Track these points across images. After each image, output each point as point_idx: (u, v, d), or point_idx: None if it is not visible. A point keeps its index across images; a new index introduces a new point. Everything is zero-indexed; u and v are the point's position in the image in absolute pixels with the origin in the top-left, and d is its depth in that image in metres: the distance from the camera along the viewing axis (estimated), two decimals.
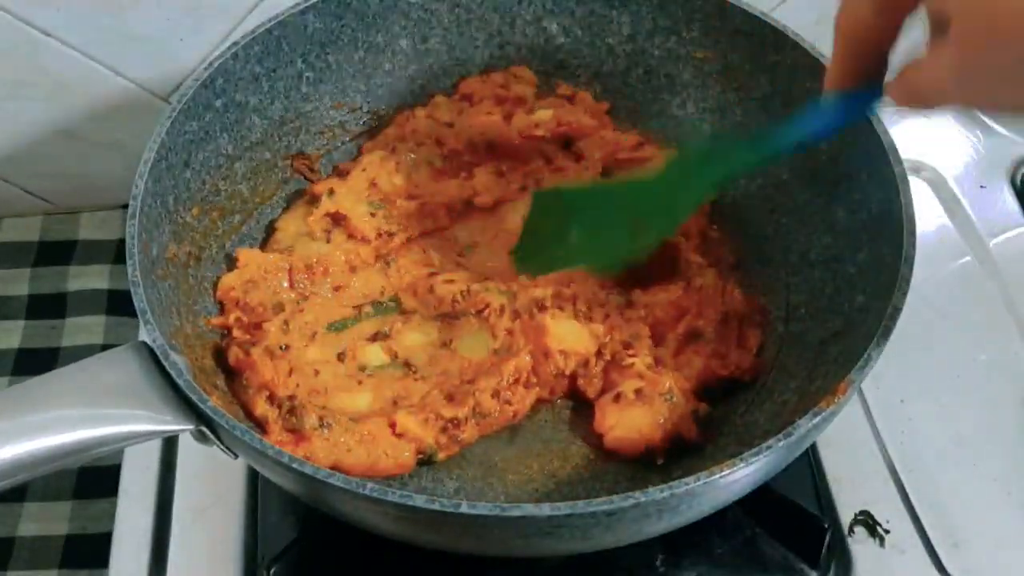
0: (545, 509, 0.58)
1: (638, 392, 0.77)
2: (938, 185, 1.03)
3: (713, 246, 0.88)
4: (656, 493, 0.59)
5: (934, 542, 0.81)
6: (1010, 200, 1.03)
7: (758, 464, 0.61)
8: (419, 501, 0.59)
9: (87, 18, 0.95)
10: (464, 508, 0.59)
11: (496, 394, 0.78)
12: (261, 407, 0.75)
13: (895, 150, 0.74)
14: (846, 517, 0.82)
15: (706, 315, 0.82)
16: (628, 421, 0.77)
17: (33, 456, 0.62)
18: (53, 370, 0.66)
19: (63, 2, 0.94)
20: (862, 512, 0.82)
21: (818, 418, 0.63)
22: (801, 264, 0.84)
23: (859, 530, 0.82)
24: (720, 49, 0.89)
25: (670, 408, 0.77)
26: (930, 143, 1.06)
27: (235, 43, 0.82)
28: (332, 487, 0.60)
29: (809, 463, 0.84)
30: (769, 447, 0.61)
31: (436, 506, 0.59)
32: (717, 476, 0.60)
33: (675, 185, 0.77)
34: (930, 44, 0.58)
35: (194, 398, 0.64)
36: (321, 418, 0.74)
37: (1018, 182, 1.04)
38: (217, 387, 0.74)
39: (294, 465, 0.61)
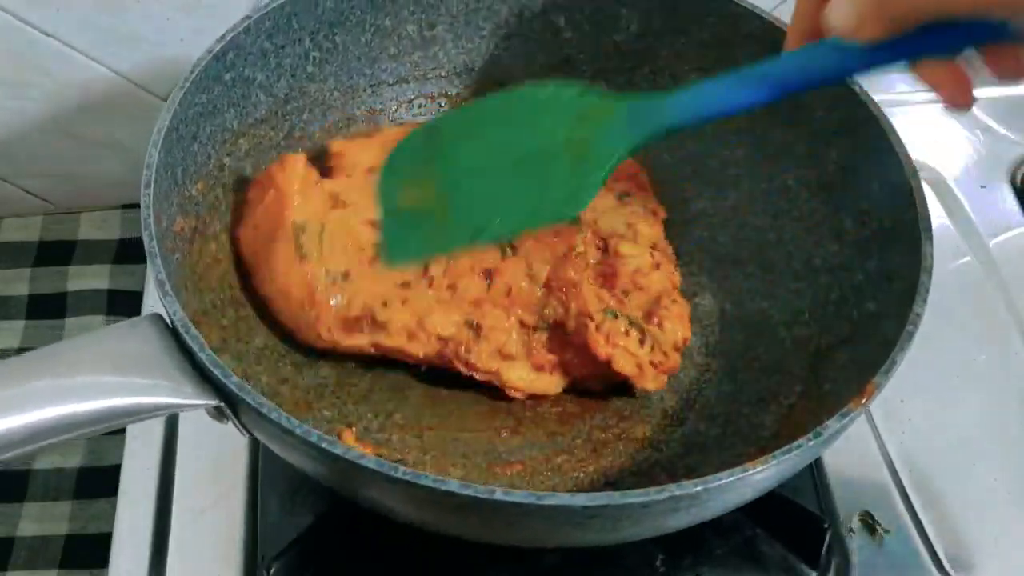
0: (580, 499, 0.58)
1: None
2: (938, 185, 1.03)
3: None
4: (690, 487, 0.59)
5: (934, 542, 0.81)
6: (1010, 200, 1.03)
7: (788, 462, 0.62)
8: (453, 486, 0.58)
9: (87, 18, 0.95)
10: (499, 495, 0.58)
11: None
12: None
13: (911, 162, 0.74)
14: (846, 517, 0.82)
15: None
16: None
17: (59, 422, 0.60)
18: (73, 337, 0.65)
19: (63, 2, 0.94)
20: (862, 512, 0.83)
21: (847, 419, 0.63)
22: (805, 270, 0.84)
23: (859, 530, 0.82)
24: (729, 53, 0.87)
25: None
26: (930, 143, 1.06)
27: (247, 17, 0.82)
28: (362, 468, 0.59)
29: (809, 463, 0.84)
30: (799, 446, 0.61)
31: (471, 491, 0.58)
32: (750, 472, 0.60)
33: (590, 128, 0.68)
34: None
35: (217, 373, 0.63)
36: None
37: (1018, 182, 1.05)
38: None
39: (323, 444, 0.59)
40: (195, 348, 0.64)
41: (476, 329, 0.79)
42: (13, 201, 1.10)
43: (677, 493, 0.59)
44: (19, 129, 1.04)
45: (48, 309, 1.04)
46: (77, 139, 1.05)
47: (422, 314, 0.79)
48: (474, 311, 0.79)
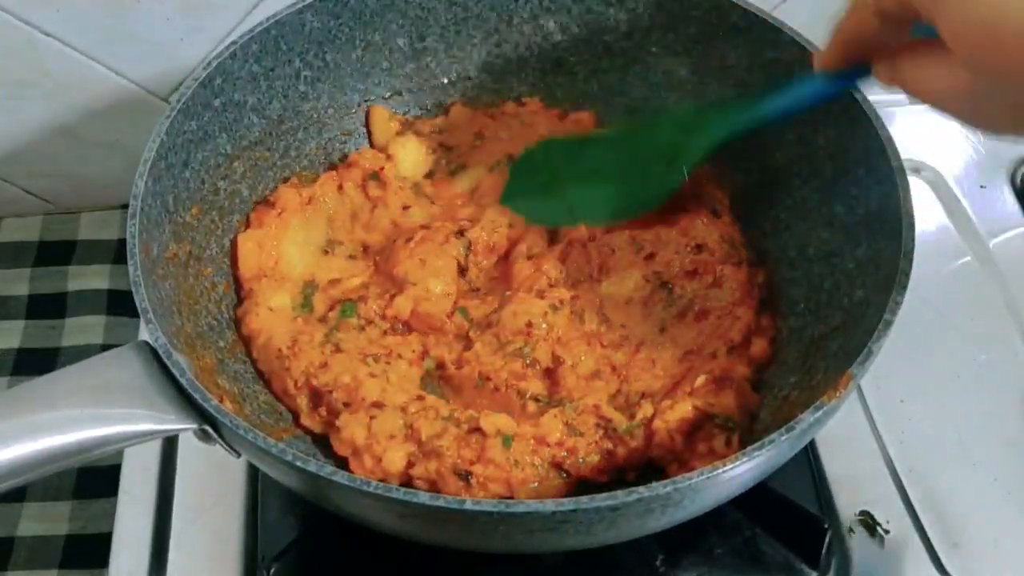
0: (549, 505, 0.58)
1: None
2: (938, 185, 1.03)
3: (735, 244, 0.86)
4: (659, 488, 0.59)
5: (934, 542, 0.81)
6: (1010, 200, 1.03)
7: (760, 459, 0.61)
8: (423, 498, 0.59)
9: (87, 18, 0.95)
10: (468, 505, 0.59)
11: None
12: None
13: (893, 145, 0.75)
14: (846, 517, 0.82)
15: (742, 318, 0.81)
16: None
17: (37, 456, 0.62)
18: (55, 370, 0.66)
19: (63, 2, 0.94)
20: (862, 512, 0.82)
21: (820, 412, 0.63)
22: (799, 259, 0.84)
23: (859, 530, 0.82)
24: (717, 46, 0.88)
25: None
26: (930, 143, 1.06)
27: (233, 42, 0.82)
28: (336, 485, 0.60)
29: (809, 463, 0.84)
30: (771, 441, 0.61)
31: (440, 503, 0.59)
32: (719, 471, 0.60)
33: (668, 137, 0.85)
34: (936, 49, 0.59)
35: (197, 397, 0.64)
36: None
37: (1018, 182, 1.04)
38: (219, 386, 0.74)
39: (297, 463, 0.61)
40: (176, 373, 0.65)
41: (466, 479, 0.73)
42: (13, 201, 1.10)
43: (646, 495, 0.59)
44: (19, 129, 1.04)
45: (48, 309, 1.04)
46: (77, 139, 1.05)
47: (383, 439, 0.74)
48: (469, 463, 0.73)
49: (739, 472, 0.61)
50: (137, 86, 1.02)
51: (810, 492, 0.82)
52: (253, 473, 0.84)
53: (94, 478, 0.93)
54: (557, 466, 0.74)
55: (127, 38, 0.97)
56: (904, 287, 0.68)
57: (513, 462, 0.72)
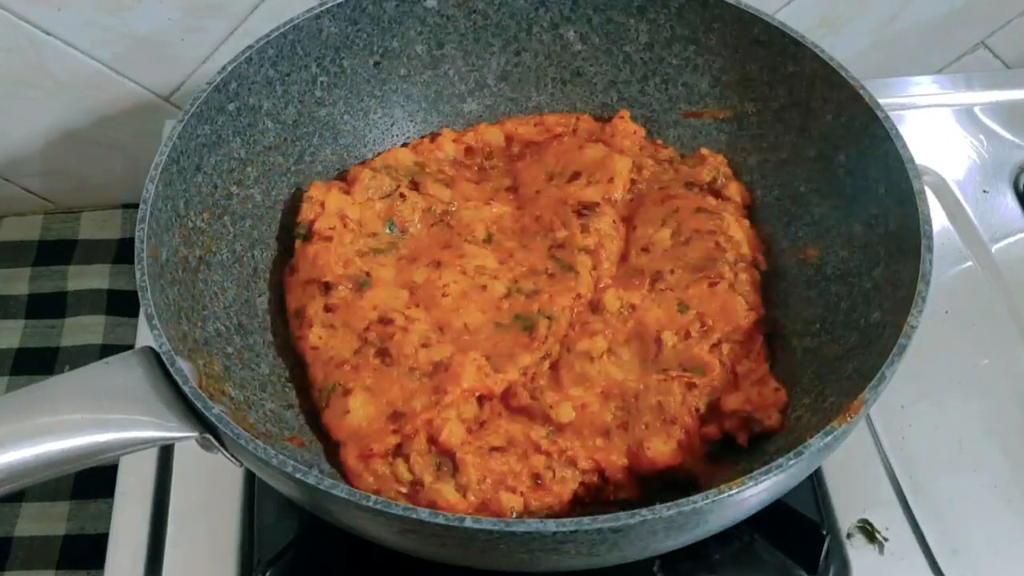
0: (551, 525, 0.58)
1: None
2: (941, 190, 1.03)
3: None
4: (663, 511, 0.58)
5: (933, 549, 0.81)
6: (1013, 205, 1.03)
7: (768, 483, 0.61)
8: (423, 515, 0.59)
9: (87, 18, 0.95)
10: (468, 523, 0.58)
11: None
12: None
13: (913, 165, 0.74)
14: (845, 524, 0.82)
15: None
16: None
17: (37, 461, 0.62)
18: (57, 374, 0.66)
19: (64, 2, 0.94)
20: (861, 519, 0.82)
21: (830, 437, 0.62)
22: (817, 278, 0.83)
23: (858, 537, 0.82)
24: (738, 59, 0.88)
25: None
26: (933, 148, 1.05)
27: (249, 47, 0.82)
28: (335, 498, 0.60)
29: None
30: (779, 466, 0.60)
31: (441, 520, 0.59)
32: (725, 494, 0.59)
33: None
34: None
35: (199, 405, 0.63)
36: None
37: (1020, 187, 1.04)
38: (225, 393, 0.74)
39: (297, 475, 0.60)
40: (179, 381, 0.64)
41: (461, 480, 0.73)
42: (14, 200, 1.10)
43: (649, 518, 0.58)
44: (19, 129, 1.04)
45: (48, 308, 1.04)
46: (77, 139, 1.05)
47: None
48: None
49: (746, 496, 0.61)
50: (138, 85, 1.02)
51: (809, 498, 0.82)
52: (249, 476, 0.83)
53: (92, 479, 0.93)
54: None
55: (128, 38, 0.97)
56: (920, 311, 0.67)
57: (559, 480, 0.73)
